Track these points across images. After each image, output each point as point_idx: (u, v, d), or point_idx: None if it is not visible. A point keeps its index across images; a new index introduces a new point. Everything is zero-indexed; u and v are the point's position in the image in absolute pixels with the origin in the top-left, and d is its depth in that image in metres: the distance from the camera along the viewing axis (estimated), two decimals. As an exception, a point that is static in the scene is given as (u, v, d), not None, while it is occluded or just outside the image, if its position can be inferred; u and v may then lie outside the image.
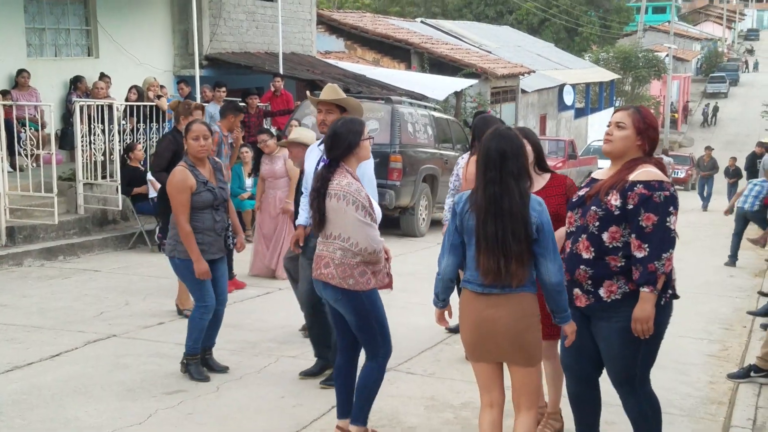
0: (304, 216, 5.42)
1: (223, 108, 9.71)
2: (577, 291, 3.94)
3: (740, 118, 51.27)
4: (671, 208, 3.77)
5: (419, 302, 7.52)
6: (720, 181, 24.25)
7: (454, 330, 6.31)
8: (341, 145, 4.40)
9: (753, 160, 19.80)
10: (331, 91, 5.41)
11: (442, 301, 3.97)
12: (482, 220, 3.66)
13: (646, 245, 3.75)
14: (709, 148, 25.18)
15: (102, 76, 12.80)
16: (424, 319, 7.15)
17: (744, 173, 21.90)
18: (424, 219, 13.37)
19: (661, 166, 3.93)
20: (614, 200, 3.82)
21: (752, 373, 5.91)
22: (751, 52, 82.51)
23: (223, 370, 5.86)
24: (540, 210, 3.67)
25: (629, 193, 3.79)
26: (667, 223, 3.76)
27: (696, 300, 8.97)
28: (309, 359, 6.05)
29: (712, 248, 13.78)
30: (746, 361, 6.36)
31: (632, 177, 3.83)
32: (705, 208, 22.91)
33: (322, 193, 4.33)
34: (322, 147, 5.29)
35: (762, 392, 5.70)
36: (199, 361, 5.73)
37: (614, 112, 4.07)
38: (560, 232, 4.22)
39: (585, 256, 3.89)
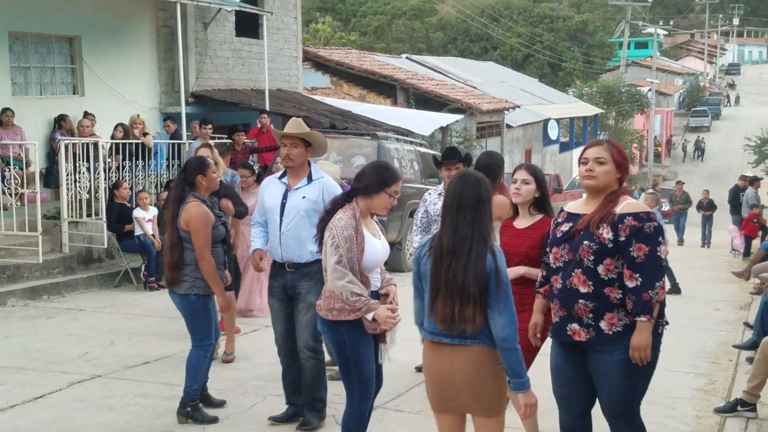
0: (259, 242, 5.52)
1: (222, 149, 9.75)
2: (575, 326, 3.95)
3: (723, 152, 51.77)
4: (660, 238, 3.88)
5: (407, 338, 7.49)
6: (695, 215, 23.67)
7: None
8: (369, 179, 4.35)
9: (736, 194, 19.99)
10: (295, 125, 5.35)
11: None
12: (445, 264, 3.59)
13: (638, 275, 3.83)
14: (680, 183, 24.91)
15: (86, 114, 12.80)
16: (411, 356, 7.12)
17: (718, 206, 22.24)
18: (410, 254, 13.37)
19: (631, 195, 4.07)
20: (606, 233, 3.88)
21: (739, 408, 5.92)
22: (732, 86, 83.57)
23: (221, 404, 5.82)
24: (494, 258, 3.59)
25: (620, 225, 3.87)
26: (658, 253, 3.85)
27: (682, 333, 8.98)
28: (296, 398, 6.02)
29: (697, 280, 13.84)
30: (733, 395, 6.36)
31: (619, 210, 3.91)
32: (681, 242, 22.36)
33: (326, 220, 4.35)
34: (283, 179, 5.33)
35: (749, 426, 5.71)
36: (198, 403, 5.63)
37: (585, 149, 4.13)
38: (533, 271, 4.49)
39: (583, 290, 3.93)
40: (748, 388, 5.95)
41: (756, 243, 17.08)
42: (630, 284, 3.85)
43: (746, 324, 9.31)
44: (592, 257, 3.90)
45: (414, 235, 6.60)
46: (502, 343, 3.56)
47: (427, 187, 13.84)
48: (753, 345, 7.98)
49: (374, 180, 4.34)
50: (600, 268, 3.89)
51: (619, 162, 4.00)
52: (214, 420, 5.53)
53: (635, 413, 4.05)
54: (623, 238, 3.86)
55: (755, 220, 17.81)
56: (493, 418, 3.70)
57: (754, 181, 19.24)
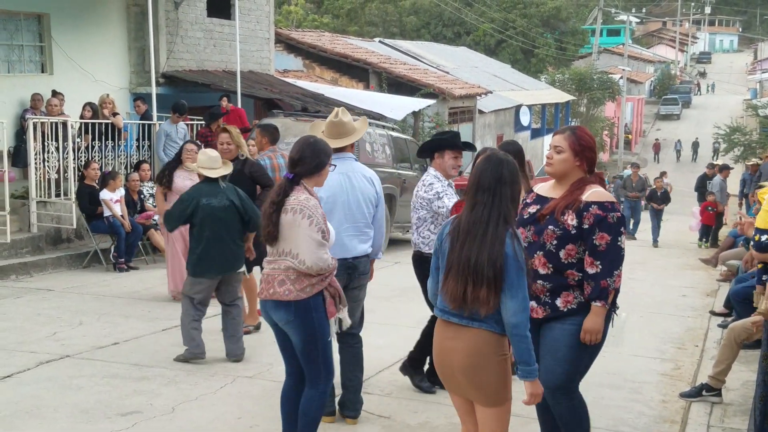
0: None
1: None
2: (532, 304, 4.01)
3: (692, 140, 52.20)
4: (622, 228, 3.98)
5: (377, 321, 7.53)
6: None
7: None
8: (310, 163, 4.37)
9: (703, 182, 20.19)
10: (337, 130, 5.12)
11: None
12: (459, 243, 3.55)
13: (599, 263, 3.95)
14: (635, 166, 21.44)
15: (55, 93, 12.60)
16: (381, 339, 7.17)
17: (685, 194, 21.22)
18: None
19: (602, 183, 4.15)
20: (570, 220, 3.98)
21: (704, 392, 6.00)
22: (703, 74, 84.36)
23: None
24: (515, 243, 3.52)
25: (585, 213, 3.97)
26: (619, 242, 3.97)
27: (649, 320, 9.11)
28: (266, 379, 6.03)
29: (665, 268, 14.01)
30: (698, 380, 6.46)
31: (585, 197, 4.00)
32: (631, 235, 18.60)
33: (279, 207, 4.29)
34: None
35: (713, 411, 5.80)
36: None
37: (553, 135, 4.23)
38: None
39: (542, 271, 4.05)
40: (713, 374, 6.04)
41: (724, 231, 17.30)
42: (590, 270, 3.96)
43: (712, 312, 9.44)
44: (555, 242, 4.01)
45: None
46: (512, 330, 3.48)
47: (399, 171, 13.87)
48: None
49: (321, 157, 4.40)
50: (561, 253, 4.01)
51: (576, 150, 4.08)
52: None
53: (574, 389, 4.14)
54: (587, 226, 3.96)
55: (710, 208, 18.01)
56: (493, 408, 3.60)
57: (723, 170, 19.45)
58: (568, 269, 4.02)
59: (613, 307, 4.07)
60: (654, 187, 19.52)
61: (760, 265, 4.93)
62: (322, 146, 4.44)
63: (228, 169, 6.65)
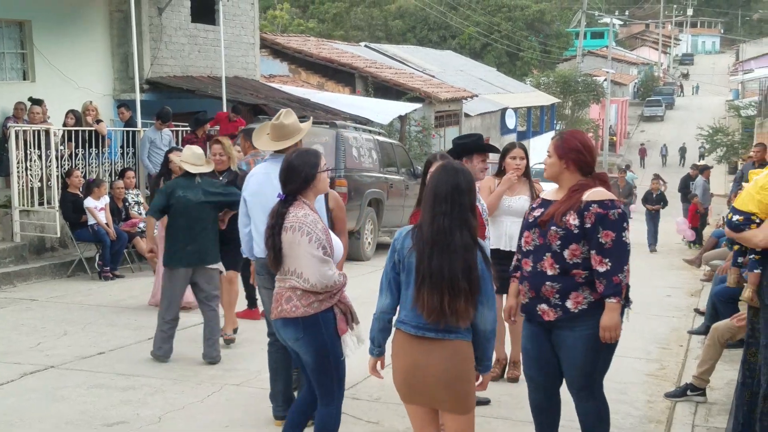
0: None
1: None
2: (543, 306, 4.15)
3: (676, 141, 52.52)
4: (624, 224, 4.08)
5: (364, 327, 7.51)
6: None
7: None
8: (297, 178, 4.26)
9: (686, 183, 20.31)
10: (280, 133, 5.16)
11: (377, 348, 3.86)
12: (427, 255, 3.54)
13: (607, 260, 4.03)
14: (622, 170, 21.49)
15: (36, 101, 12.48)
16: (368, 344, 7.15)
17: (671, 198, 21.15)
18: (369, 243, 13.40)
19: (606, 184, 4.23)
20: (572, 220, 4.08)
21: (689, 392, 6.04)
22: (686, 76, 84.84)
23: None
24: (482, 254, 3.60)
25: (585, 213, 4.07)
26: (623, 238, 4.06)
27: (634, 320, 9.06)
28: (254, 386, 6.01)
29: (651, 269, 14.07)
30: (683, 380, 6.49)
31: (585, 197, 4.10)
32: None
33: (278, 230, 4.18)
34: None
35: (698, 410, 5.83)
36: None
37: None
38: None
39: (550, 273, 4.14)
40: (697, 373, 6.07)
41: (708, 231, 17.41)
42: (600, 269, 4.04)
43: (697, 310, 9.49)
44: (558, 242, 4.10)
45: None
46: (487, 335, 3.64)
47: (386, 176, 13.88)
48: (706, 330, 8.14)
49: (306, 169, 4.28)
50: (566, 253, 4.09)
51: (560, 154, 4.21)
52: None
53: (598, 387, 4.26)
54: (589, 225, 4.05)
55: (698, 211, 18.25)
56: (465, 415, 3.67)
57: (704, 170, 19.58)
58: (574, 269, 4.10)
59: (626, 303, 4.17)
60: (650, 188, 19.10)
61: (736, 247, 4.99)
62: (304, 158, 4.32)
63: (209, 168, 6.90)
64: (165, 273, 6.85)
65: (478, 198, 5.65)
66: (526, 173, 6.28)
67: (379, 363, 3.93)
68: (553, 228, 4.12)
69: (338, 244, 4.44)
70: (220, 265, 6.91)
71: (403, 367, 3.69)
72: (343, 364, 4.34)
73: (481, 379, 3.77)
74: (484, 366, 3.73)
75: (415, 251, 3.60)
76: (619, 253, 4.03)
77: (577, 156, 4.19)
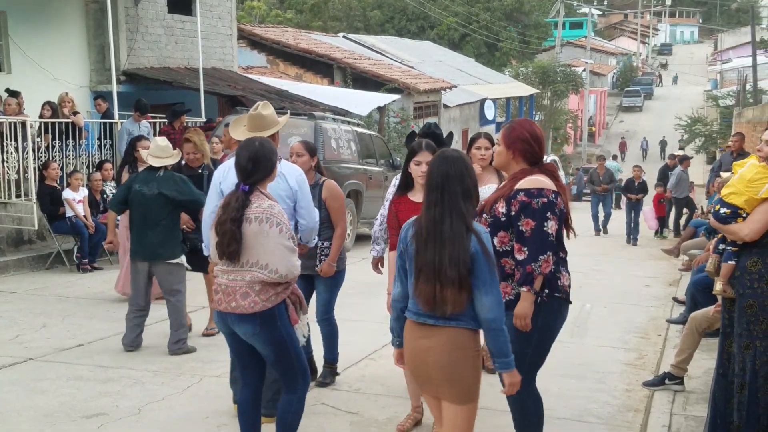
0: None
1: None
2: None
3: (655, 131, 52.85)
4: (548, 214, 4.00)
5: (344, 318, 7.51)
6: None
7: None
8: (265, 168, 4.24)
9: (665, 173, 20.42)
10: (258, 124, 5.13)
11: (397, 338, 3.80)
12: (422, 245, 3.54)
13: (525, 248, 4.00)
14: (601, 158, 20.50)
15: (12, 92, 12.33)
16: (349, 335, 7.16)
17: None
18: (349, 234, 13.38)
19: (551, 174, 4.15)
20: (501, 208, 4.09)
21: (667, 381, 6.10)
22: (664, 66, 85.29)
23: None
24: (478, 239, 3.51)
25: (513, 200, 4.06)
26: (545, 228, 4.00)
27: (613, 309, 9.21)
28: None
29: (628, 258, 14.18)
30: (661, 369, 6.55)
31: (517, 186, 4.08)
32: (599, 231, 18.53)
33: (241, 222, 4.11)
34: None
35: (676, 399, 5.89)
36: None
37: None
38: None
39: None
40: (675, 362, 6.13)
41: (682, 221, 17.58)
42: (518, 257, 4.02)
43: (675, 299, 9.59)
44: (488, 230, 4.02)
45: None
46: (489, 324, 3.49)
47: (365, 167, 13.87)
48: (684, 319, 8.23)
49: (273, 158, 4.31)
50: (495, 240, 4.07)
51: (507, 143, 4.19)
52: None
53: (528, 381, 4.08)
54: (513, 213, 4.04)
55: (662, 200, 18.41)
56: (464, 406, 3.59)
57: (684, 160, 19.71)
58: (503, 257, 4.08)
59: (541, 293, 4.03)
60: (632, 176, 18.58)
61: (720, 235, 5.04)
62: (269, 147, 4.31)
63: (174, 160, 6.88)
64: (130, 265, 6.97)
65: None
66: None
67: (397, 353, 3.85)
68: (484, 216, 4.12)
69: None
70: (182, 260, 6.89)
71: (409, 353, 3.69)
72: (302, 352, 4.36)
73: (500, 376, 3.61)
74: (500, 363, 3.56)
75: (414, 241, 3.61)
76: (537, 243, 3.96)
77: (523, 146, 4.15)
